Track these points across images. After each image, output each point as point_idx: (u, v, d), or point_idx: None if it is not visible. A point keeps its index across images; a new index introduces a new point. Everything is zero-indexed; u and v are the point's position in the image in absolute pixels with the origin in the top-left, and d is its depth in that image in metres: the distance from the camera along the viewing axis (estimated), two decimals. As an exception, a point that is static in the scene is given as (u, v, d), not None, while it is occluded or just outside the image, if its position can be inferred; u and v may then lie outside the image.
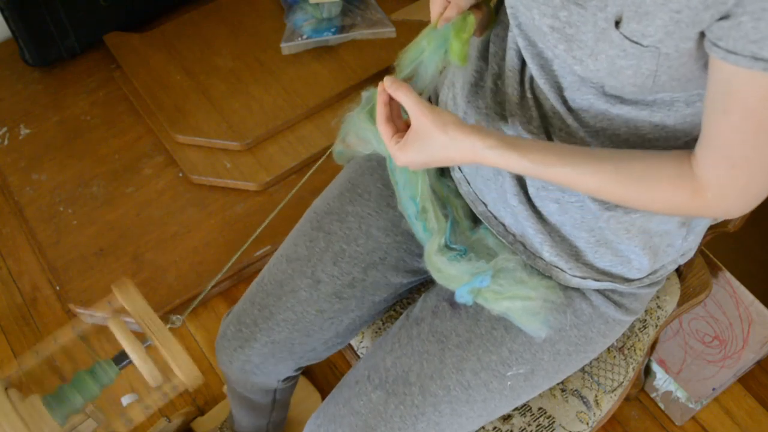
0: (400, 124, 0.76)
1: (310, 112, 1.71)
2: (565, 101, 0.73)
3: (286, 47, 1.78)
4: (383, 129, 0.74)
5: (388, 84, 0.72)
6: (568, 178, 0.69)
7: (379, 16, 1.84)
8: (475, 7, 0.79)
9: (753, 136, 0.60)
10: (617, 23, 0.61)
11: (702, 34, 0.59)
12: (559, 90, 0.73)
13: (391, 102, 0.74)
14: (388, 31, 1.83)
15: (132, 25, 1.87)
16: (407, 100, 0.70)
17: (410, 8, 1.91)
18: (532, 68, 0.73)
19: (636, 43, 0.61)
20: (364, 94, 0.85)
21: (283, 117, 1.68)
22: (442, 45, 0.78)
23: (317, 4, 1.74)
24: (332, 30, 1.78)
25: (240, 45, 1.82)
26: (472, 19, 0.77)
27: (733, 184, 0.65)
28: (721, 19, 0.56)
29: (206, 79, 1.75)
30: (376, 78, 1.76)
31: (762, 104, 0.58)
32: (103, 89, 1.79)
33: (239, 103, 1.70)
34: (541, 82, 0.73)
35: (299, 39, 1.78)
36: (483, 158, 0.69)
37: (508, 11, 0.74)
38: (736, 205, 0.67)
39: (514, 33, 0.74)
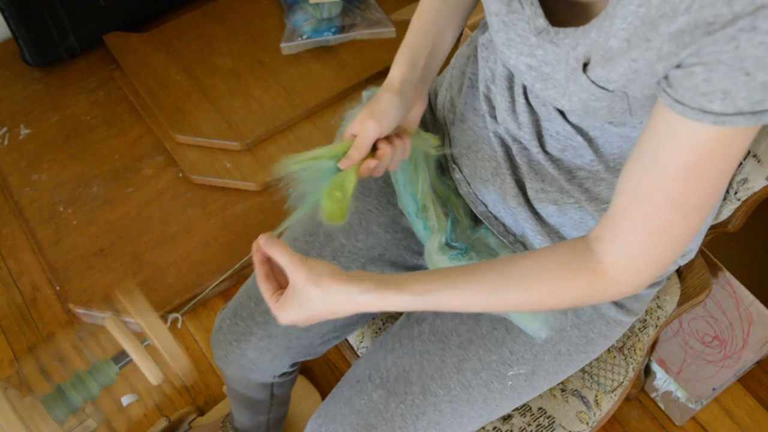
0: (283, 280, 0.72)
1: (310, 112, 1.71)
2: (559, 111, 0.73)
3: (286, 47, 1.78)
4: (263, 287, 0.71)
5: (263, 242, 0.70)
6: (456, 300, 0.66)
7: (379, 16, 1.84)
8: (385, 141, 0.75)
9: (682, 195, 0.56)
10: (585, 66, 0.60)
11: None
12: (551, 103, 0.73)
13: (270, 259, 0.72)
14: (388, 31, 1.83)
15: (132, 25, 1.87)
16: (280, 257, 0.68)
17: (410, 8, 1.91)
18: (523, 82, 0.72)
19: (602, 88, 0.60)
20: (365, 93, 0.85)
21: (283, 117, 1.68)
22: (315, 192, 0.74)
23: (317, 4, 1.74)
24: (332, 30, 1.78)
25: (240, 45, 1.82)
26: (353, 178, 0.73)
27: (646, 254, 0.60)
28: (676, 67, 0.54)
29: (206, 79, 1.75)
30: (376, 78, 1.76)
31: (700, 161, 0.54)
32: (103, 89, 1.79)
33: (239, 103, 1.70)
34: (531, 96, 0.73)
35: (299, 39, 1.78)
36: (363, 304, 0.66)
37: (483, 53, 0.72)
38: (641, 280, 0.62)
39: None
